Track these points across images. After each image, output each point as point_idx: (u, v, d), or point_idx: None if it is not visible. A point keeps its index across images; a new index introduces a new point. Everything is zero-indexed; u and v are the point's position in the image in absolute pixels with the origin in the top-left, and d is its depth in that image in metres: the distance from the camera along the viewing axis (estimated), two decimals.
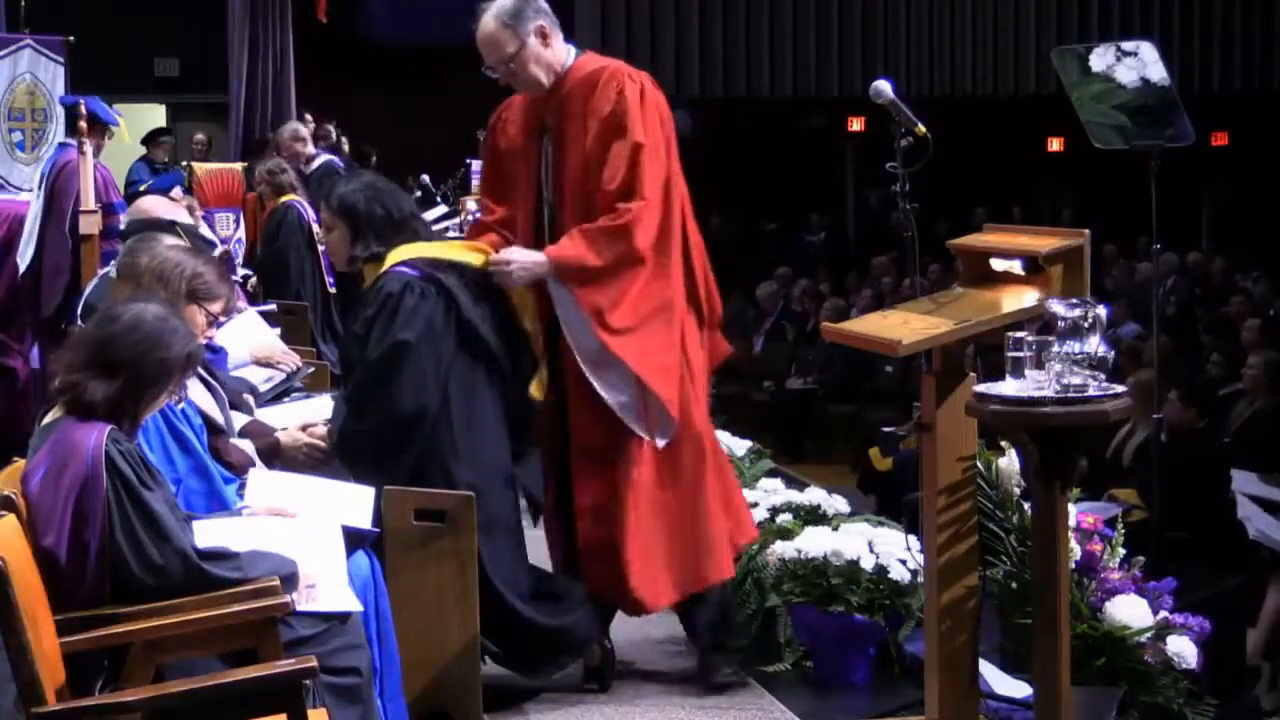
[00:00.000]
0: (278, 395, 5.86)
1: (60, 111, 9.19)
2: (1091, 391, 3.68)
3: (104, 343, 3.61)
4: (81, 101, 8.48)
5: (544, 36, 4.94)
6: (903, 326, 3.98)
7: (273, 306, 8.45)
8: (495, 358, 4.83)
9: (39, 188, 8.47)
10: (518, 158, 5.15)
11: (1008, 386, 3.76)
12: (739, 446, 6.79)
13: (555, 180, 5.06)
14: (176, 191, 8.62)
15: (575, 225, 4.91)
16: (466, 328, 4.78)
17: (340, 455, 4.73)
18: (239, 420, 4.77)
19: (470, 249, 4.99)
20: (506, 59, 4.92)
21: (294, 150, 10.98)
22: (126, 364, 3.59)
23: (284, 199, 10.06)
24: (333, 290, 9.92)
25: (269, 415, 5.41)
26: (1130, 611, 4.50)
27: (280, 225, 9.92)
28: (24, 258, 8.30)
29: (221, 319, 4.64)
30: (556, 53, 4.98)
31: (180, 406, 4.14)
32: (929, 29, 19.23)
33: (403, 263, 4.77)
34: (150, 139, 13.61)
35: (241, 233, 11.71)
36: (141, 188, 9.54)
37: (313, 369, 6.55)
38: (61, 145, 8.63)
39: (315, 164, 10.94)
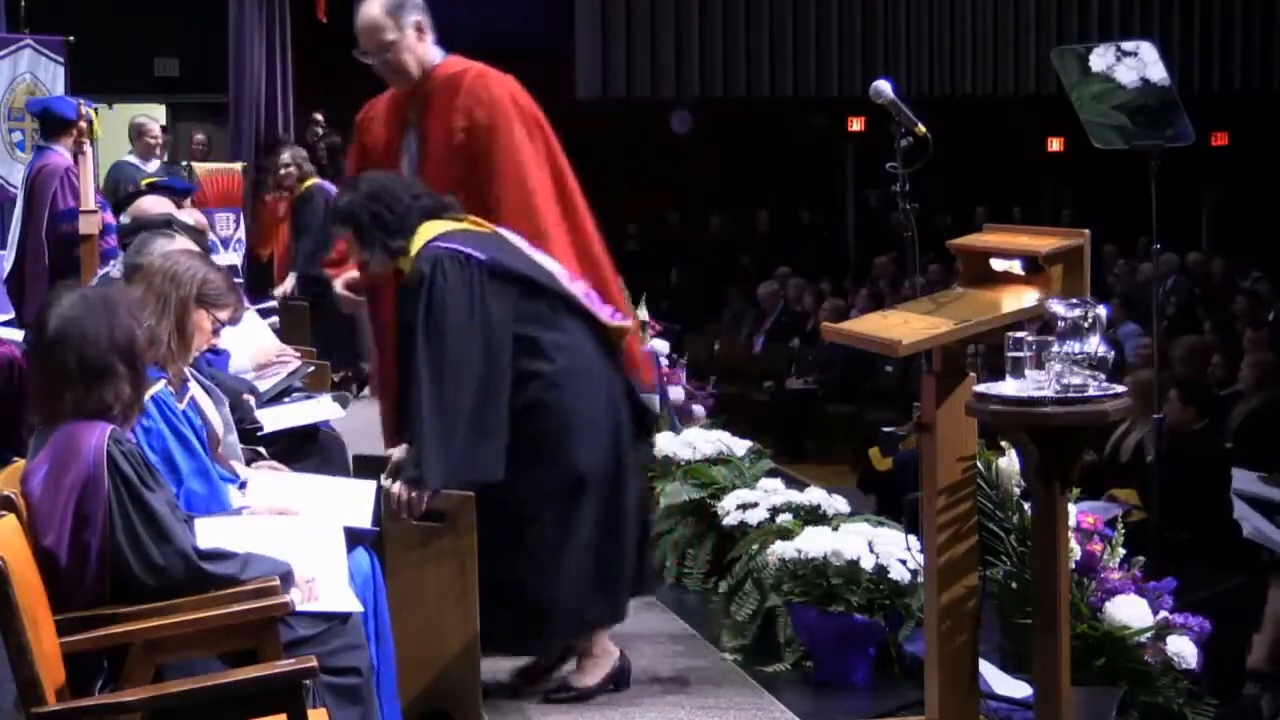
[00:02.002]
0: (278, 395, 5.86)
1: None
2: (1091, 391, 3.68)
3: (82, 364, 3.54)
4: (81, 102, 8.48)
5: (420, 31, 5.21)
6: (903, 326, 3.98)
7: (272, 304, 8.48)
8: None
9: (21, 191, 8.49)
10: (382, 153, 5.32)
11: (1008, 386, 3.76)
12: (739, 446, 6.78)
13: (419, 174, 5.18)
14: (186, 203, 8.63)
15: None
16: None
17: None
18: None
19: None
20: (384, 45, 5.17)
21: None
22: (110, 356, 3.56)
23: (309, 183, 10.31)
24: None
25: (270, 415, 5.43)
26: (1130, 611, 4.50)
27: (307, 207, 10.15)
28: (7, 262, 8.32)
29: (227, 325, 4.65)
30: (428, 50, 5.24)
31: (182, 408, 4.14)
32: (929, 29, 19.22)
33: (432, 241, 4.77)
34: None
35: (241, 233, 11.77)
36: (144, 182, 9.55)
37: (313, 369, 6.55)
38: (39, 149, 8.64)
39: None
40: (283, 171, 10.66)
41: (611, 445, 4.86)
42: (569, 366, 4.79)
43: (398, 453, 4.73)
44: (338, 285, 5.29)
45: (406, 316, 4.73)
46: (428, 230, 4.78)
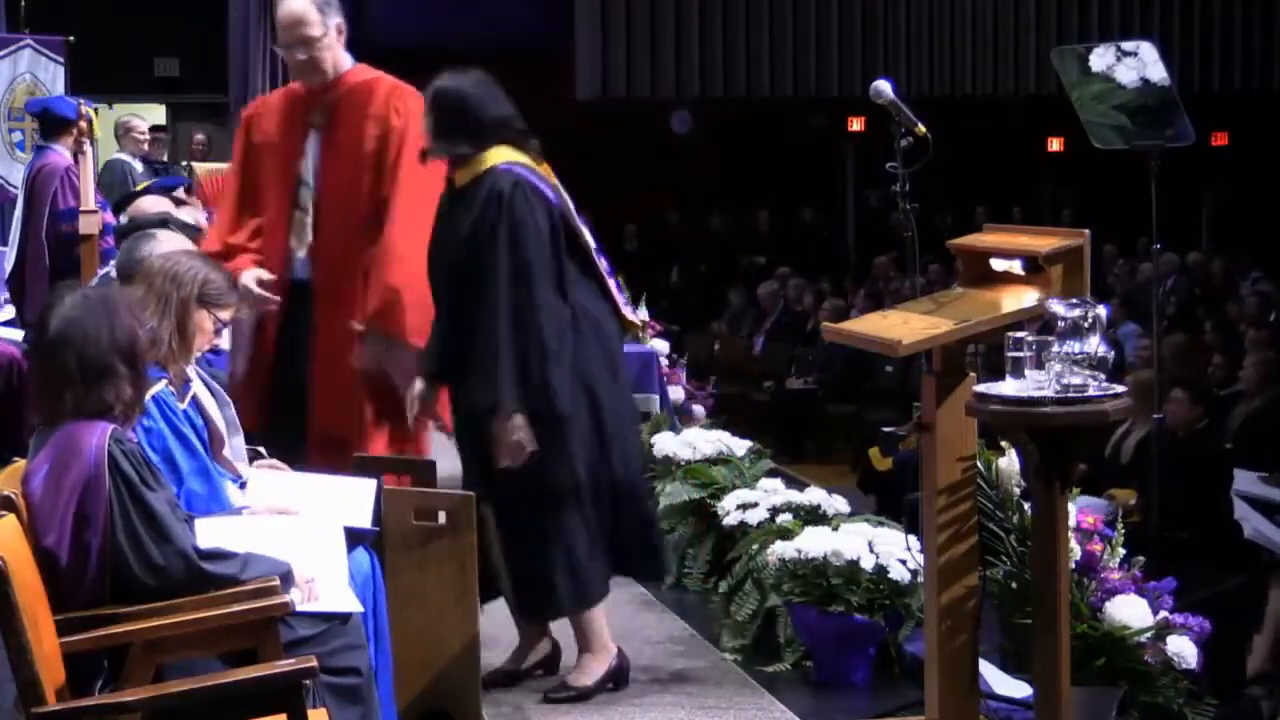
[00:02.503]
0: None
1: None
2: (1091, 391, 3.68)
3: (83, 365, 3.54)
4: (81, 102, 8.48)
5: (340, 33, 5.21)
6: (903, 326, 3.98)
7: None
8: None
9: (21, 191, 8.49)
10: (273, 153, 5.29)
11: (1008, 386, 3.76)
12: (739, 446, 6.78)
13: (322, 177, 5.19)
14: (180, 192, 8.62)
15: (340, 223, 5.11)
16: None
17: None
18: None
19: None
20: (307, 40, 5.14)
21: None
22: (111, 356, 3.56)
23: None
24: None
25: None
26: (1130, 611, 4.50)
27: None
28: (7, 262, 8.32)
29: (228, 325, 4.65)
30: (342, 54, 5.25)
31: (183, 408, 4.14)
32: (929, 29, 19.21)
33: (512, 163, 4.77)
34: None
35: None
36: (141, 185, 9.55)
37: None
38: (39, 149, 8.64)
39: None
40: None
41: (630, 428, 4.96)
42: (596, 339, 4.82)
43: (419, 385, 4.81)
44: (249, 281, 5.13)
45: (465, 230, 4.74)
46: (504, 152, 4.79)
